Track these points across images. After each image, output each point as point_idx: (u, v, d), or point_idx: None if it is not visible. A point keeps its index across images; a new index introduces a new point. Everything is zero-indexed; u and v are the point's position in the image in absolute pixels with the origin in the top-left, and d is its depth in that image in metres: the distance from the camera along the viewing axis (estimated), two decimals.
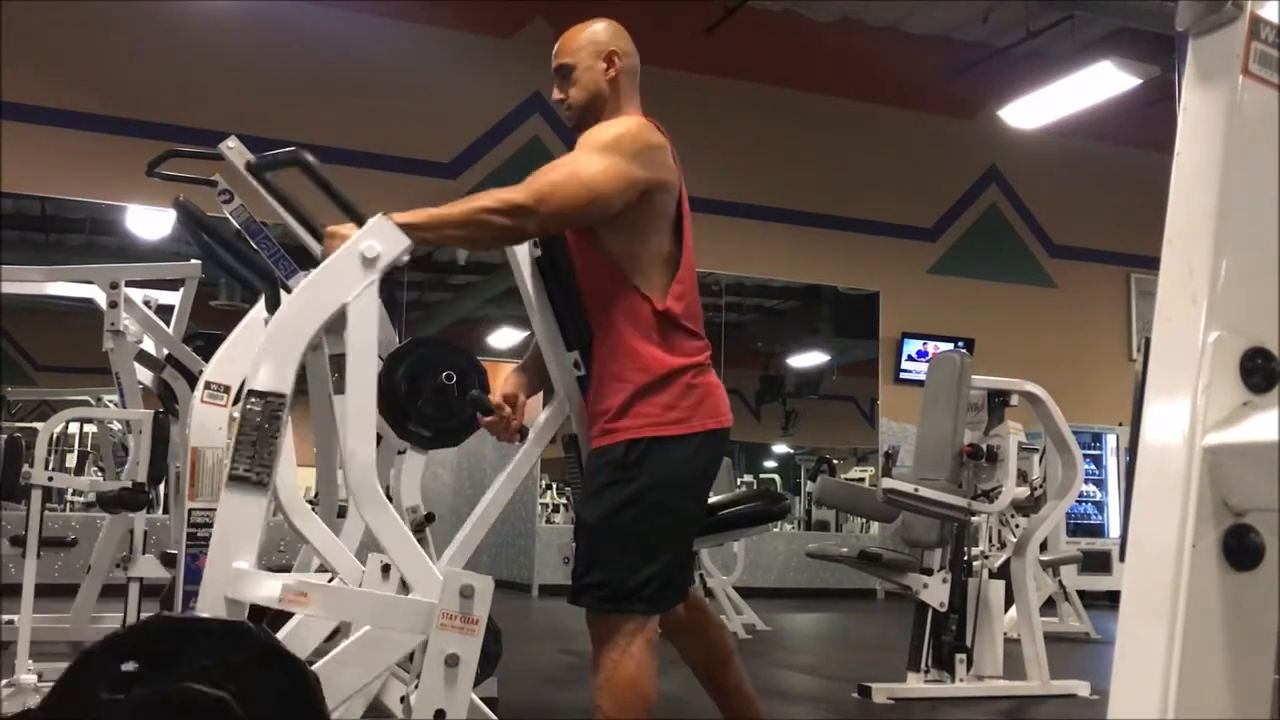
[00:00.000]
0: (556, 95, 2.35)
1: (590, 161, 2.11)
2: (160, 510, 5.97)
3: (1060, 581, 7.03)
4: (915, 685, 4.45)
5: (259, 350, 1.82)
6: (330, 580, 2.05)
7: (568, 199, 2.07)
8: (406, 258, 1.93)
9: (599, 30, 2.33)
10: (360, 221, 1.96)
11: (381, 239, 1.89)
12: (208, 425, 2.43)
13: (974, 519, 4.87)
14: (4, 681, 3.29)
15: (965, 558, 4.65)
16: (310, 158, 2.09)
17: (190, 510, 1.98)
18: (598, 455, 2.19)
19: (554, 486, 10.28)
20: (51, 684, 1.56)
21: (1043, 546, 6.03)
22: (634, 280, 2.18)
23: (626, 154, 2.13)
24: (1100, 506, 10.06)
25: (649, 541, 2.14)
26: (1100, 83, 8.82)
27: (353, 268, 1.87)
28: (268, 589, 1.80)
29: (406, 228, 1.93)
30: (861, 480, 10.40)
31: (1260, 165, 0.82)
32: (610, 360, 2.21)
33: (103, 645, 1.56)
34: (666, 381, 2.18)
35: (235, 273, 2.33)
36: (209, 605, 1.75)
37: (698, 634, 2.51)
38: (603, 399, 2.20)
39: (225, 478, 1.79)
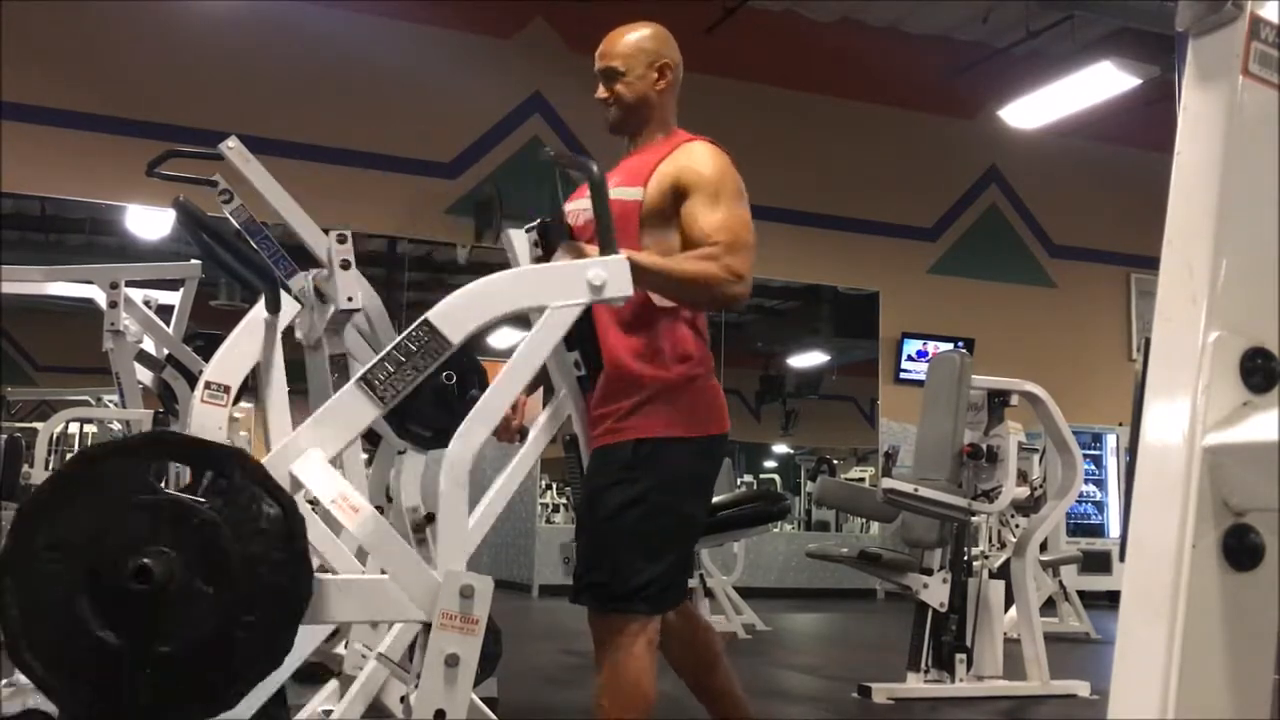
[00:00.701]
0: (600, 94, 2.36)
1: (740, 213, 2.23)
2: None
3: (1060, 581, 7.03)
4: (915, 685, 4.45)
5: (457, 294, 1.78)
6: None
7: (749, 260, 2.20)
8: (620, 304, 1.89)
9: (652, 37, 2.36)
10: (611, 248, 1.91)
11: (613, 276, 1.85)
12: (208, 425, 2.42)
13: (974, 519, 4.87)
14: (4, 681, 3.29)
15: (965, 558, 4.65)
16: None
17: None
18: (604, 454, 2.19)
19: (554, 486, 10.27)
20: None
21: (1043, 546, 6.03)
22: None
23: (745, 196, 2.27)
24: (1100, 506, 10.07)
25: (653, 542, 2.14)
26: (1100, 83, 8.82)
27: (575, 284, 1.83)
28: (324, 483, 1.74)
29: (636, 269, 1.89)
30: (861, 480, 10.41)
31: (1260, 165, 0.82)
32: (616, 358, 2.20)
33: (131, 443, 1.60)
34: (679, 382, 2.20)
35: (235, 272, 2.33)
36: (276, 472, 1.70)
37: (685, 637, 2.46)
38: (608, 398, 2.20)
39: (358, 378, 1.75)
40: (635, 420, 2.16)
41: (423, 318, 1.76)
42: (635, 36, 2.35)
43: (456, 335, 1.78)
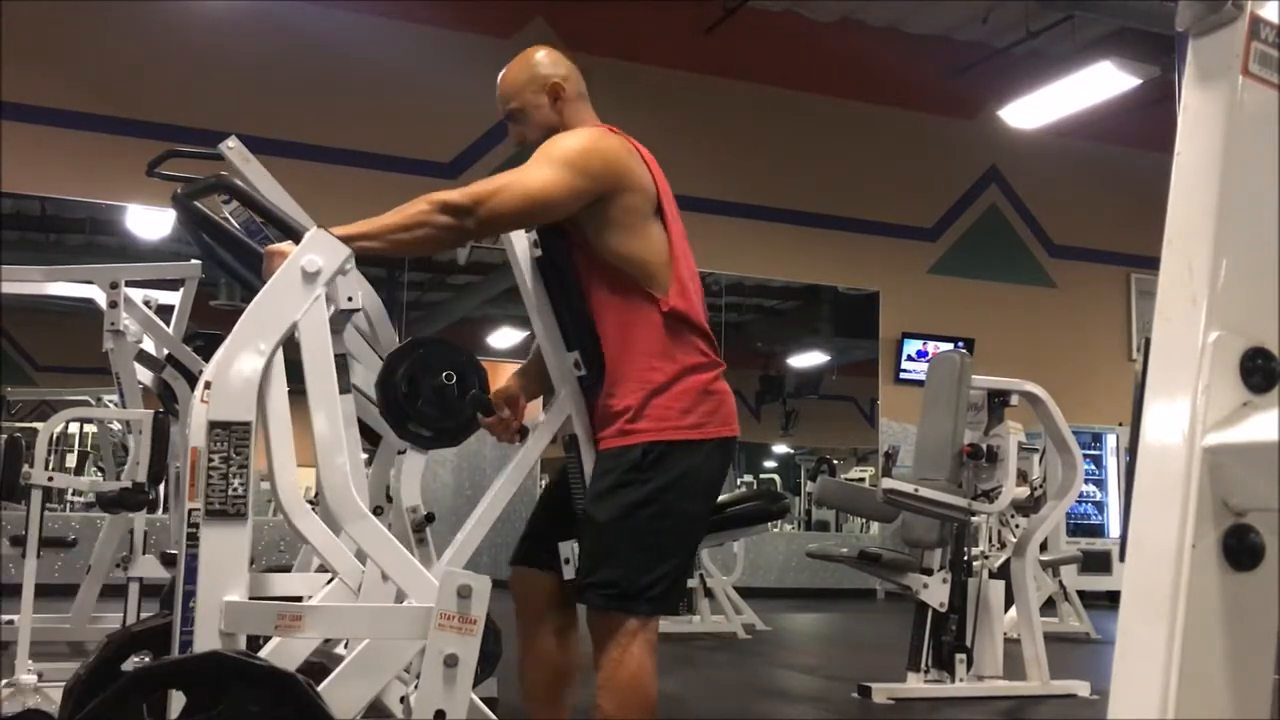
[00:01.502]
0: (513, 140, 2.36)
1: (534, 171, 2.13)
2: (160, 510, 5.97)
3: (1060, 581, 7.03)
4: (915, 685, 4.45)
5: (215, 382, 1.81)
6: (330, 581, 2.05)
7: (505, 202, 2.09)
8: (350, 267, 1.93)
9: (532, 64, 2.33)
10: (298, 238, 1.95)
11: (321, 252, 1.87)
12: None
13: (974, 519, 4.87)
14: (4, 682, 3.29)
15: (965, 558, 4.65)
16: (235, 181, 2.10)
17: (190, 510, 1.97)
18: (612, 456, 2.18)
19: None
20: (51, 684, 1.57)
21: (1043, 546, 6.03)
22: (636, 279, 2.18)
23: (573, 165, 2.14)
24: (1100, 506, 10.07)
25: (660, 543, 2.14)
26: (1100, 83, 8.82)
27: (295, 285, 1.85)
28: (261, 619, 1.80)
29: (346, 239, 1.94)
30: (861, 480, 10.40)
31: (1260, 165, 0.82)
32: (623, 359, 2.20)
33: (157, 669, 1.60)
34: (680, 379, 2.18)
35: (233, 270, 2.33)
36: (204, 640, 1.74)
37: (564, 641, 2.36)
38: (617, 399, 2.19)
39: (202, 512, 1.78)
40: (644, 424, 2.16)
41: (208, 422, 1.79)
42: (519, 70, 2.33)
43: (247, 413, 1.81)
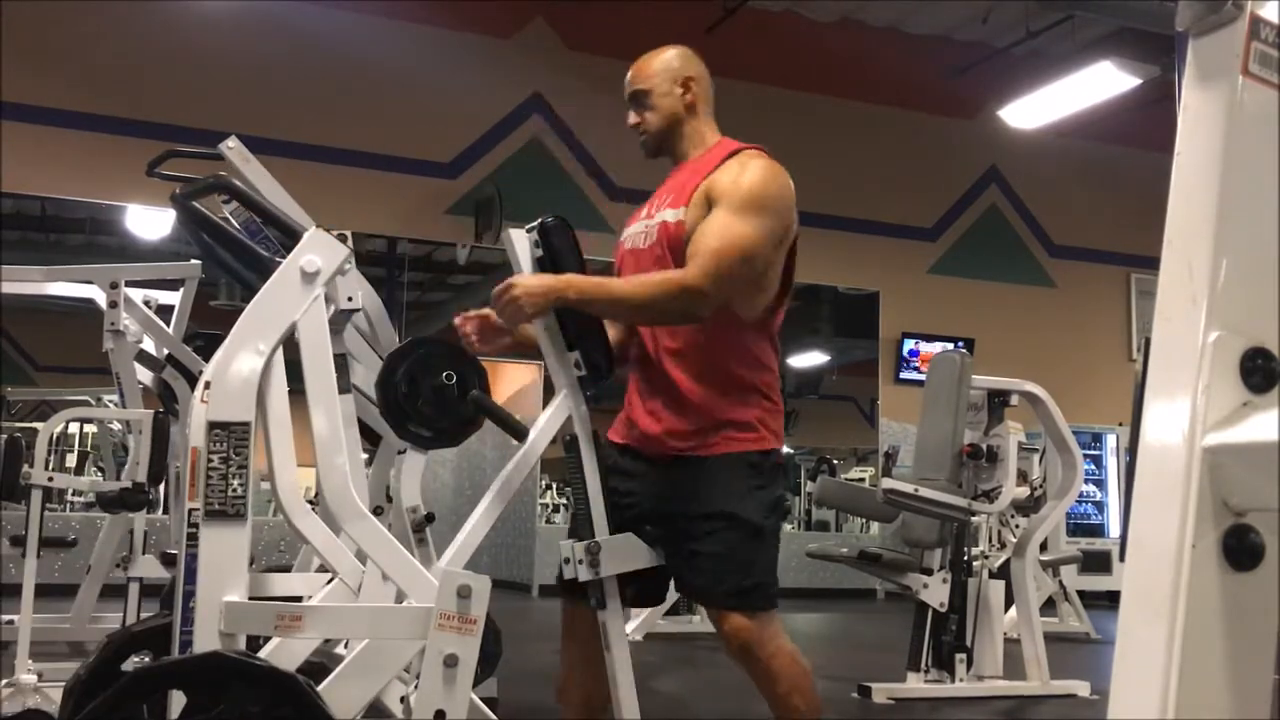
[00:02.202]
0: (632, 120, 2.38)
1: (744, 228, 2.15)
2: (160, 510, 5.97)
3: (1060, 581, 7.03)
4: (915, 685, 4.45)
5: (214, 382, 1.81)
6: (330, 581, 2.05)
7: (733, 274, 2.13)
8: (349, 266, 1.93)
9: (673, 56, 2.37)
10: (298, 238, 1.95)
11: (320, 252, 1.87)
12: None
13: (974, 519, 4.87)
14: (4, 681, 3.29)
15: (965, 558, 4.65)
16: (234, 182, 2.10)
17: (190, 510, 1.97)
18: (747, 459, 2.21)
19: (554, 486, 10.27)
20: (51, 684, 1.57)
21: (1043, 546, 6.03)
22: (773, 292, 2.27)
23: (771, 210, 2.20)
24: (1100, 506, 10.07)
25: (778, 542, 2.26)
26: (1100, 83, 8.82)
27: (294, 285, 1.86)
28: (261, 619, 1.80)
29: (582, 300, 2.07)
30: (861, 480, 10.40)
31: (1260, 165, 0.82)
32: (731, 366, 2.23)
33: (157, 669, 1.60)
34: (780, 396, 2.29)
35: (233, 270, 2.32)
36: (204, 641, 1.74)
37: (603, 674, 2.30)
38: (746, 404, 2.23)
39: (201, 513, 1.78)
40: (764, 430, 2.22)
41: (207, 423, 1.79)
42: (658, 58, 2.38)
43: (246, 414, 1.82)
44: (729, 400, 2.22)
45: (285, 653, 1.93)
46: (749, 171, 2.22)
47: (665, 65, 2.35)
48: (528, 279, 2.10)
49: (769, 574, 2.20)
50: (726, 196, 2.18)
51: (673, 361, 2.24)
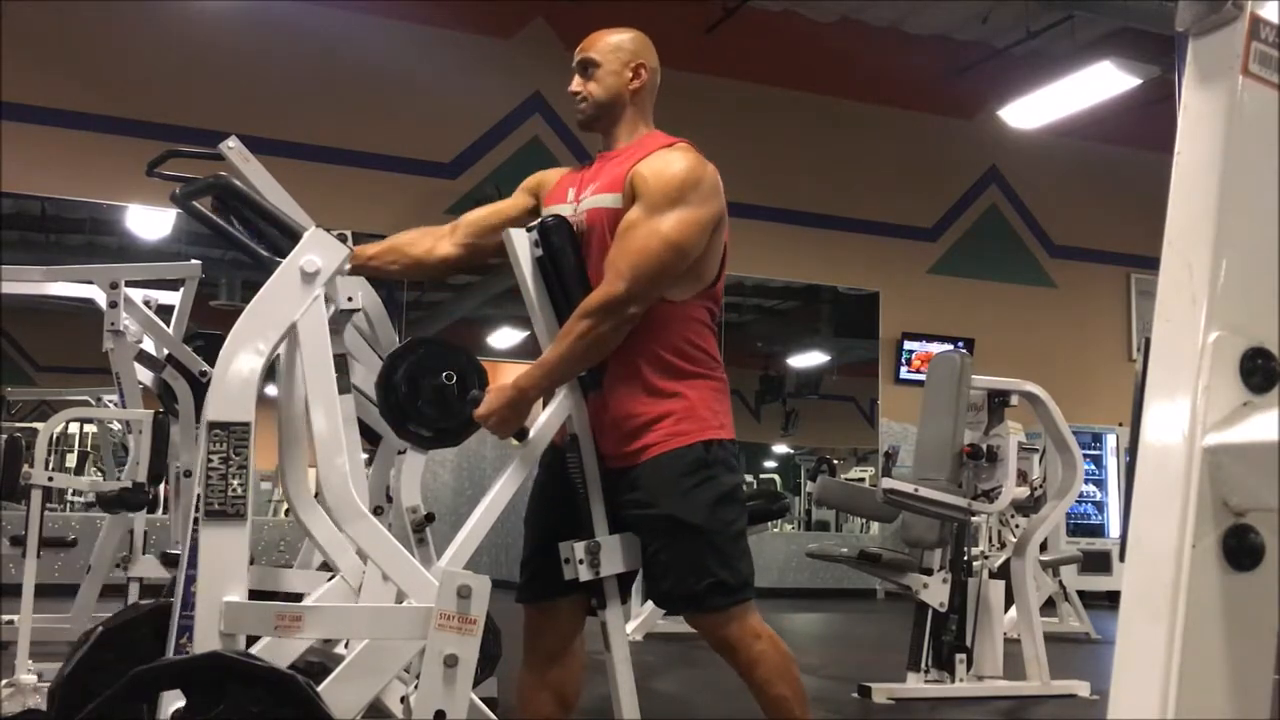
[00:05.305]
0: (574, 87, 2.36)
1: (663, 221, 2.14)
2: (160, 510, 5.97)
3: (1060, 581, 7.03)
4: (915, 685, 4.45)
5: (214, 382, 1.81)
6: (331, 579, 2.05)
7: (654, 269, 2.12)
8: (348, 267, 1.93)
9: (631, 39, 2.37)
10: (297, 237, 1.95)
11: (320, 252, 1.87)
12: None
13: (974, 519, 4.87)
14: (4, 681, 3.29)
15: (965, 558, 4.65)
16: (233, 182, 2.10)
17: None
18: (676, 457, 2.17)
19: None
20: (51, 685, 1.57)
21: (1043, 546, 6.03)
22: (691, 282, 2.23)
23: (695, 199, 2.18)
24: (1100, 506, 10.06)
25: (742, 532, 2.23)
26: (1100, 83, 8.82)
27: (294, 285, 1.85)
28: (261, 619, 1.80)
29: (540, 387, 2.10)
30: (861, 480, 10.40)
31: (1260, 165, 0.81)
32: (669, 361, 2.22)
33: (157, 669, 1.60)
34: (716, 384, 2.26)
35: (246, 247, 2.27)
36: (203, 641, 1.74)
37: (574, 668, 2.31)
38: (661, 400, 2.19)
39: (201, 513, 1.78)
40: (695, 423, 2.19)
41: (207, 423, 1.79)
42: (615, 37, 2.36)
43: (246, 414, 1.81)
44: (654, 398, 2.19)
45: (279, 646, 1.93)
46: (671, 165, 2.21)
47: (620, 44, 2.35)
48: (490, 406, 2.09)
49: (726, 569, 2.14)
50: (648, 195, 2.17)
51: (598, 371, 2.23)
